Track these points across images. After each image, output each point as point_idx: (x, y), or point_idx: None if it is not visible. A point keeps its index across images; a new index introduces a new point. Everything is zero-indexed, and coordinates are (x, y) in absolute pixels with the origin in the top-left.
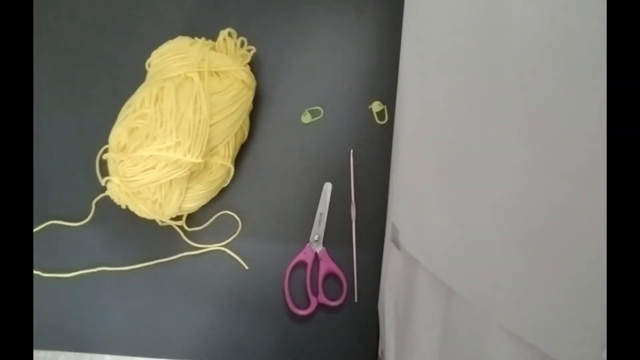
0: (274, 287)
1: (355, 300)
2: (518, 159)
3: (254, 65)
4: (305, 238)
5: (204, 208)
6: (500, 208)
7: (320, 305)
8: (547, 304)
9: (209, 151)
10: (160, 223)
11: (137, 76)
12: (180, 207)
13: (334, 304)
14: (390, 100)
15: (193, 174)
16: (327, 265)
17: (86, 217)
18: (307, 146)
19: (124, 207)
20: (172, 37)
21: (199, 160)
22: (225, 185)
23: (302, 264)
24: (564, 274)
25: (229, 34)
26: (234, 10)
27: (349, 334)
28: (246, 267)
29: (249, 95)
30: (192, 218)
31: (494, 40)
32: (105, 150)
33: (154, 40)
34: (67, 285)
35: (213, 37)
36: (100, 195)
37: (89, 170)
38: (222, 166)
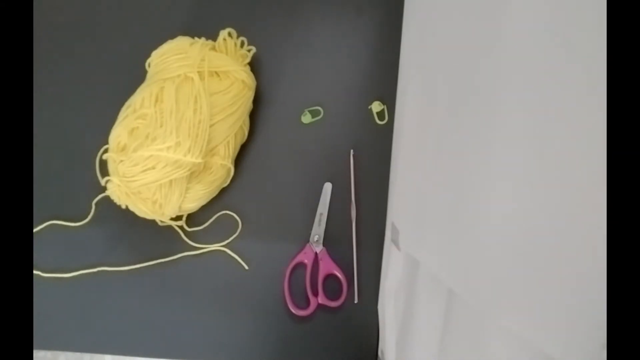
0: (274, 287)
1: (355, 300)
2: (517, 159)
3: (254, 65)
4: (305, 238)
5: (204, 208)
6: (499, 208)
7: (320, 306)
8: (547, 303)
9: (209, 151)
10: (160, 223)
11: (137, 76)
12: (180, 207)
13: (334, 304)
14: (390, 100)
15: (193, 174)
16: (327, 265)
17: (86, 217)
18: (307, 146)
19: (124, 207)
20: (172, 37)
21: (199, 160)
22: (225, 185)
23: (302, 264)
24: (564, 273)
25: (229, 34)
26: (234, 10)
27: (349, 334)
28: (246, 267)
29: (249, 95)
30: (192, 218)
31: (494, 40)
32: (105, 150)
33: (154, 40)
34: (67, 285)
35: (213, 37)
36: (100, 195)
37: (89, 170)
38: (222, 166)
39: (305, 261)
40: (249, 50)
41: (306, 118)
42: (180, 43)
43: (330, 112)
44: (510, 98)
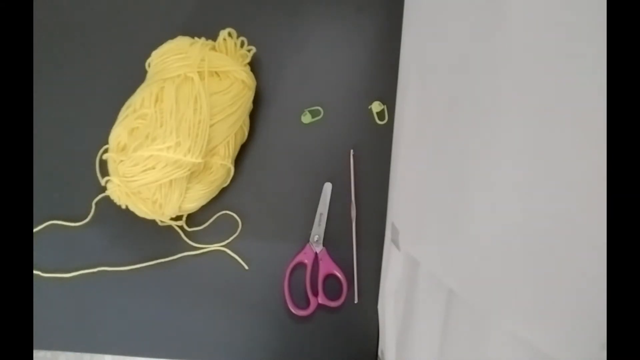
0: (274, 287)
1: (355, 300)
2: (517, 159)
3: (254, 65)
4: (305, 238)
5: (204, 208)
6: (499, 208)
7: (320, 306)
8: (547, 304)
9: (209, 151)
10: (160, 223)
11: (137, 76)
12: (180, 207)
13: (334, 304)
14: (390, 100)
15: (193, 174)
16: (327, 265)
17: (86, 217)
18: (307, 146)
19: (124, 207)
20: (172, 37)
21: (199, 160)
22: (225, 185)
23: (302, 264)
24: (564, 273)
25: (229, 34)
26: (234, 10)
27: (349, 334)
28: (246, 267)
29: (249, 95)
30: (192, 218)
31: (494, 40)
32: (105, 150)
33: (154, 40)
34: (67, 285)
35: (213, 37)
36: (100, 195)
37: (89, 170)
38: (222, 166)
39: (305, 261)
40: (249, 50)
41: (306, 118)
42: (180, 43)
43: (330, 112)
44: (510, 98)
